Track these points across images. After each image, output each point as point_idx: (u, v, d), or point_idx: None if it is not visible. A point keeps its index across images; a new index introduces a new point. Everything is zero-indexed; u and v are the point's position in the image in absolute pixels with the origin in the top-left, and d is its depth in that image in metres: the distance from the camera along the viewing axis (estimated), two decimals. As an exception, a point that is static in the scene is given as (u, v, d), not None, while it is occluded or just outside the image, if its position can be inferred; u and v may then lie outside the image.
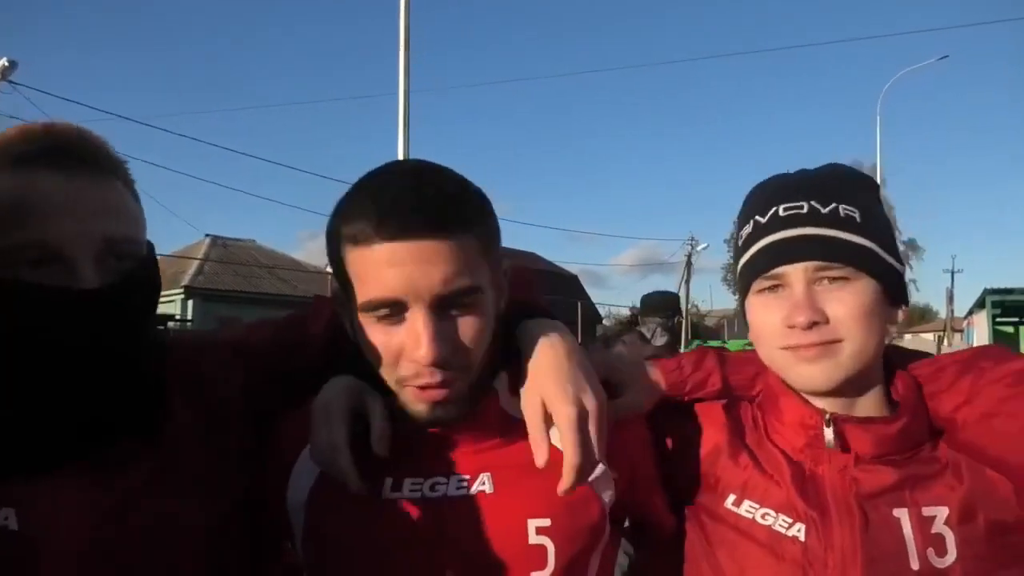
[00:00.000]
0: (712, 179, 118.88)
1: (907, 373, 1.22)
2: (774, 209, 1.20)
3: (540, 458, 1.03)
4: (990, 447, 1.13)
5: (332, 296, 1.19)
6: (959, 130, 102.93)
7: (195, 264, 28.68)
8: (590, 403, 1.03)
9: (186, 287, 27.36)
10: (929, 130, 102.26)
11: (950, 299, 38.87)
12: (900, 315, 1.20)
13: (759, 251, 1.20)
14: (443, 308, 1.04)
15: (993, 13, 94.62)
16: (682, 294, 40.87)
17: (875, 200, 1.24)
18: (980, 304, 23.20)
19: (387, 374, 1.09)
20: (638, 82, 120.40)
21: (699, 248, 43.10)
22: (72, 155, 1.00)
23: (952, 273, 48.68)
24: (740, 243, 1.27)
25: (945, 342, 34.14)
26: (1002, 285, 18.82)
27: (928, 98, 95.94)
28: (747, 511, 1.20)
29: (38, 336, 0.93)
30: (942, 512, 1.12)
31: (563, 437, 1.02)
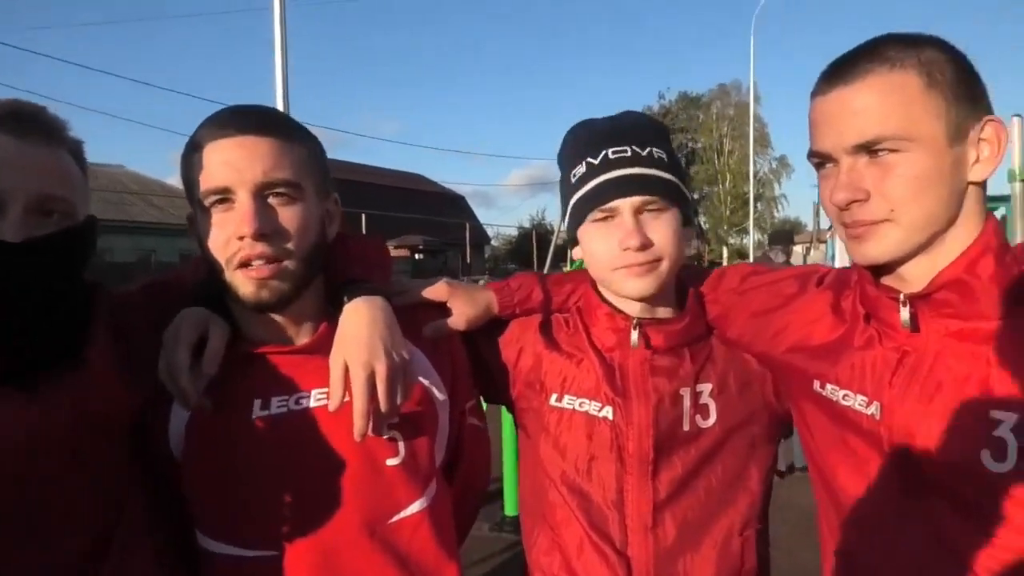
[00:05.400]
0: (595, 99, 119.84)
1: (693, 285, 1.56)
2: (604, 152, 1.44)
3: (331, 404, 1.23)
4: (733, 337, 1.51)
5: (187, 220, 1.35)
6: (828, 49, 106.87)
7: (57, 192, 26.74)
8: (380, 368, 1.22)
9: (49, 216, 25.57)
10: (801, 49, 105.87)
11: (816, 213, 41.02)
12: (691, 233, 1.51)
13: (595, 187, 1.43)
14: (264, 196, 1.23)
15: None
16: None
17: (669, 142, 1.53)
18: (842, 217, 24.81)
19: (223, 259, 1.24)
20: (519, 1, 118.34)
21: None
22: (28, 123, 1.15)
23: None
24: (574, 180, 1.49)
25: (812, 252, 36.25)
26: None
27: (799, 17, 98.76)
28: (567, 403, 1.50)
29: None
30: (707, 387, 1.48)
31: (353, 393, 1.21)
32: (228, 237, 1.22)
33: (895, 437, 1.17)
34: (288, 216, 1.24)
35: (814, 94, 1.19)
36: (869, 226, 1.13)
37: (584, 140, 1.50)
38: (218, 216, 1.24)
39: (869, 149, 1.11)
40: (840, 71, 1.14)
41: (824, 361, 1.31)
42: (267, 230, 1.21)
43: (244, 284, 1.24)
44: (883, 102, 1.09)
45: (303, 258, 1.27)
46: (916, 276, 1.16)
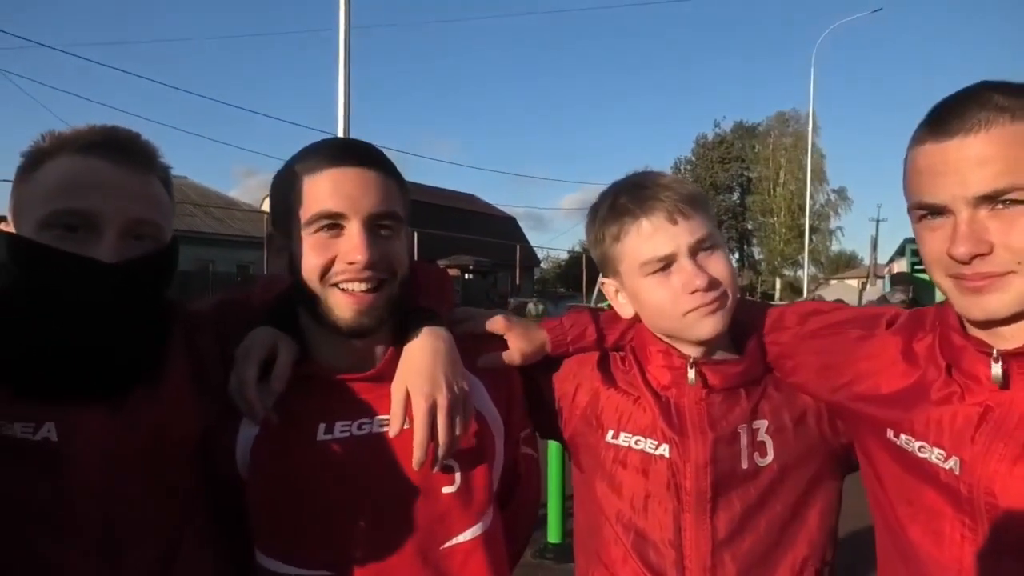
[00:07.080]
0: (651, 125, 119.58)
1: (753, 326, 1.54)
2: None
3: (392, 430, 1.28)
4: (796, 381, 1.50)
5: (268, 239, 1.38)
6: (889, 81, 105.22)
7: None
8: (441, 400, 1.26)
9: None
10: (861, 80, 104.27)
11: (874, 247, 40.03)
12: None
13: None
14: (373, 226, 1.28)
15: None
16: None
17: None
18: (900, 252, 24.19)
19: (320, 281, 1.28)
20: (580, 27, 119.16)
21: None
22: (124, 149, 1.23)
23: (877, 222, 49.98)
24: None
25: (868, 288, 35.47)
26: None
27: (861, 49, 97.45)
28: (623, 441, 1.49)
29: (60, 294, 1.15)
30: (763, 424, 1.46)
31: (414, 423, 1.25)
32: (330, 260, 1.27)
33: (974, 494, 1.12)
34: (391, 247, 1.30)
35: (918, 143, 1.14)
36: (993, 279, 1.09)
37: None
38: (322, 240, 1.28)
39: (993, 200, 1.07)
40: (951, 120, 1.09)
41: (897, 409, 1.27)
42: (375, 259, 1.26)
43: (343, 307, 1.28)
44: (1010, 153, 1.05)
45: (399, 286, 1.33)
46: (1013, 332, 1.12)
